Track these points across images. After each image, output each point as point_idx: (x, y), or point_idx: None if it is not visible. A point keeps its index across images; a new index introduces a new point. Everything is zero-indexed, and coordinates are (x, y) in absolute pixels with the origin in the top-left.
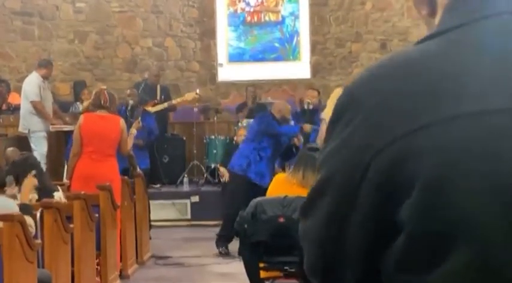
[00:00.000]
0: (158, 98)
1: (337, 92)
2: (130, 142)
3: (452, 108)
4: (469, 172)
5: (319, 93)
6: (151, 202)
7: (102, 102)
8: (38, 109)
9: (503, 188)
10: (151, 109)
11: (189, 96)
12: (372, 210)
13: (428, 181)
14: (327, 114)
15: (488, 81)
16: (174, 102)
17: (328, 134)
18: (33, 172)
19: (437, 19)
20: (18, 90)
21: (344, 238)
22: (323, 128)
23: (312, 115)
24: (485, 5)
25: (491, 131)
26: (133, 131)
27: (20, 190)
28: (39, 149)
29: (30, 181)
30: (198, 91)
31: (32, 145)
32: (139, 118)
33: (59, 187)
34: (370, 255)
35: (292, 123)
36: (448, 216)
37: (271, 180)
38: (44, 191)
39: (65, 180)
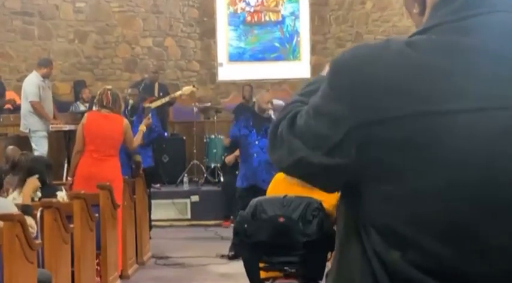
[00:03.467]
0: (156, 95)
1: None
2: (138, 139)
3: (414, 105)
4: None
5: None
6: (151, 202)
7: (104, 102)
8: (36, 109)
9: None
10: (149, 105)
11: (187, 90)
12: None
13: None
14: None
15: (450, 80)
16: (172, 95)
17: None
18: (36, 175)
19: (425, 18)
20: (19, 89)
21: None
22: None
23: None
24: (466, 6)
25: (451, 128)
26: (143, 127)
27: (19, 192)
28: (40, 149)
29: (33, 182)
30: (195, 84)
31: (33, 145)
32: (150, 115)
33: (63, 188)
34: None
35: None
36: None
37: None
38: (48, 189)
39: (68, 178)
